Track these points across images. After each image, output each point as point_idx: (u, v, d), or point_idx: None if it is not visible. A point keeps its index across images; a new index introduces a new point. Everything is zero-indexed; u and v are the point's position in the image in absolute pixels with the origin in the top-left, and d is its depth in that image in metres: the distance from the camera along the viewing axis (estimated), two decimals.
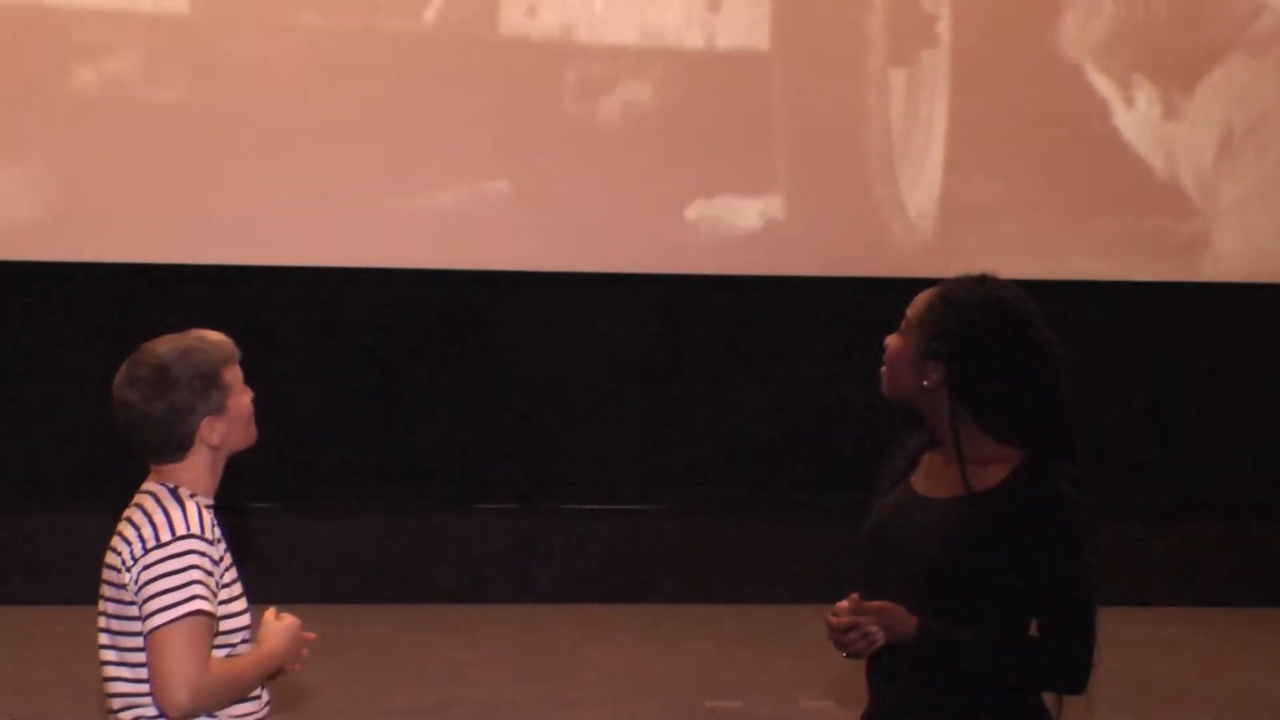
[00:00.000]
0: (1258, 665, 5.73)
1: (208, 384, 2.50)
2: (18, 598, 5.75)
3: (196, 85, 6.06)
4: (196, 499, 2.50)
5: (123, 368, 2.52)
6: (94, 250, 5.99)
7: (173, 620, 2.38)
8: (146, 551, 2.42)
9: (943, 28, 6.29)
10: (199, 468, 2.52)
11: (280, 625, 2.55)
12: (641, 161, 6.24)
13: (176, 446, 2.50)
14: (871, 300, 5.57)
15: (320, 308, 6.31)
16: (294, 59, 6.06)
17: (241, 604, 2.53)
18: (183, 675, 2.37)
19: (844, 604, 2.35)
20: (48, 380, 5.85)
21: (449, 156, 6.20)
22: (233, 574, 2.54)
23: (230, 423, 2.52)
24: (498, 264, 6.26)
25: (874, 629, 2.33)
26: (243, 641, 2.52)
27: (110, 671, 2.48)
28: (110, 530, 2.53)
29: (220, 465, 2.57)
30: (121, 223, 5.99)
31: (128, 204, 5.96)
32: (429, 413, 6.46)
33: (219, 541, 2.51)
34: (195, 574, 2.41)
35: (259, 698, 2.56)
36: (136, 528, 2.46)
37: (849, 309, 5.99)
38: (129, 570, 2.42)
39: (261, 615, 2.59)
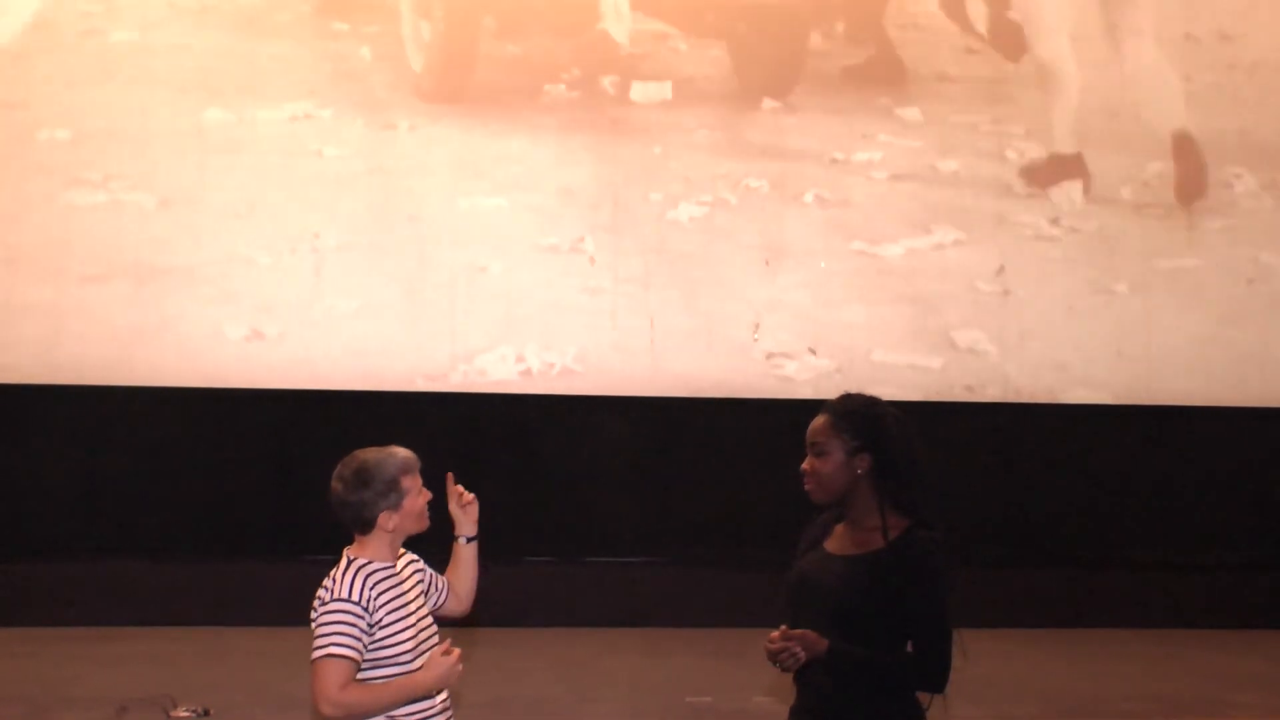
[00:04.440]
0: (1073, 670, 6.18)
1: (389, 487, 2.68)
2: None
3: None
4: (366, 567, 2.68)
5: (338, 465, 2.72)
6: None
7: (317, 658, 2.62)
8: (318, 609, 2.69)
9: None
10: (379, 544, 2.72)
11: (441, 660, 2.67)
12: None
13: (363, 528, 2.72)
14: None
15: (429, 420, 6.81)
16: None
17: (408, 634, 2.67)
18: (324, 694, 2.60)
19: (776, 633, 2.55)
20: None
21: None
22: (402, 613, 2.67)
23: (404, 516, 2.71)
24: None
25: (798, 650, 2.53)
26: (414, 659, 2.67)
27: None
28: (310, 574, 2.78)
29: (397, 543, 2.75)
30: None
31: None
32: (496, 492, 6.15)
33: (382, 594, 2.66)
34: (338, 627, 2.60)
35: (434, 703, 2.71)
36: (323, 588, 2.69)
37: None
38: (313, 618, 2.72)
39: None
